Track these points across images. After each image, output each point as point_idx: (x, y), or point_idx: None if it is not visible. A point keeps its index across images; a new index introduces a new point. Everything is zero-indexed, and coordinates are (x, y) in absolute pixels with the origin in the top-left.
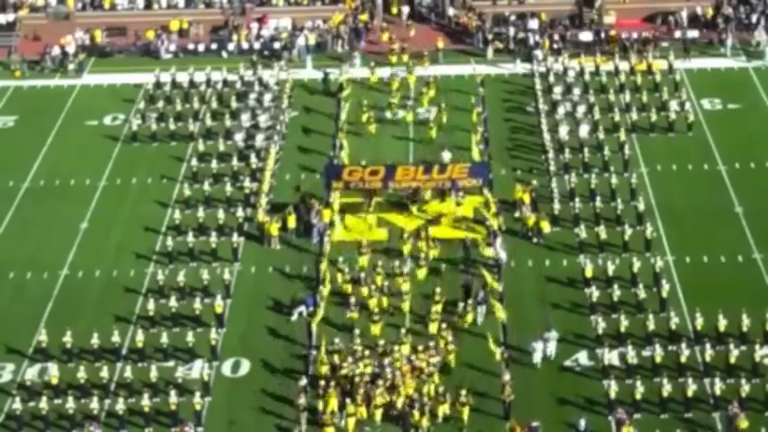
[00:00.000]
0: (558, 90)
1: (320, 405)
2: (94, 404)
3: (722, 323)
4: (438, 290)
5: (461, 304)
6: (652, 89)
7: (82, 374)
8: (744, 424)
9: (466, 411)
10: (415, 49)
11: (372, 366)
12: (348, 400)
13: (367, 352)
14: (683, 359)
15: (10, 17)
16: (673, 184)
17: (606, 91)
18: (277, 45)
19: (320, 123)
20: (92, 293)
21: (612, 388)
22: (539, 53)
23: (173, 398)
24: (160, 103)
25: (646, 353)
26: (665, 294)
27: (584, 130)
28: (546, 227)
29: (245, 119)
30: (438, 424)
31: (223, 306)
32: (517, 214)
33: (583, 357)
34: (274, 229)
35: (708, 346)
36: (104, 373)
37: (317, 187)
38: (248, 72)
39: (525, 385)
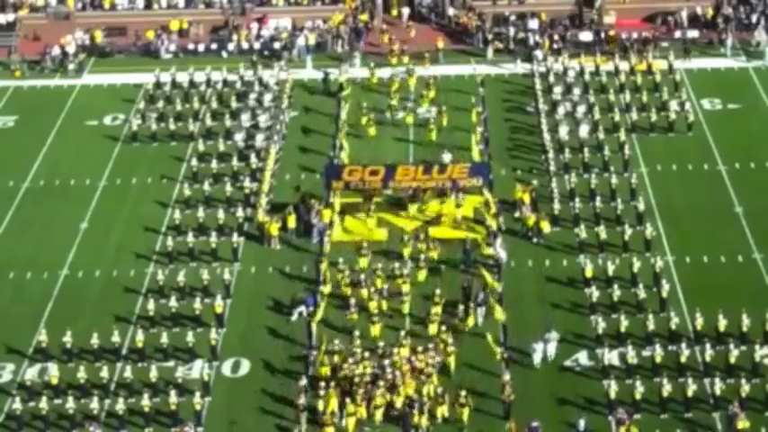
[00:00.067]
0: (558, 90)
1: (320, 405)
2: (94, 404)
3: (722, 323)
4: (438, 291)
5: (461, 306)
6: (652, 89)
7: (82, 374)
8: (744, 424)
9: (465, 412)
10: (416, 50)
11: (372, 367)
12: (348, 400)
13: (367, 353)
14: (683, 359)
15: (10, 17)
16: (673, 184)
17: (606, 91)
18: (277, 45)
19: (320, 123)
20: (92, 293)
21: (612, 388)
22: (539, 53)
23: (173, 398)
24: (160, 103)
25: (646, 353)
26: (665, 294)
27: (584, 130)
28: (546, 227)
29: (245, 119)
30: (438, 424)
31: (223, 306)
32: (517, 214)
33: (583, 357)
34: (274, 229)
35: (708, 346)
36: (104, 373)
37: (317, 187)
38: (248, 72)
39: (525, 385)
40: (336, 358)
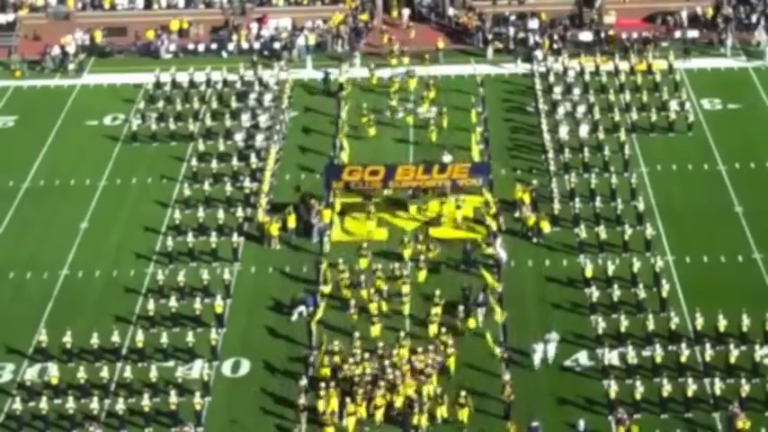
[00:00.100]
0: (558, 90)
1: (320, 405)
2: (94, 404)
3: (722, 323)
4: (438, 292)
5: (461, 307)
6: (652, 89)
7: (82, 374)
8: (744, 424)
9: (465, 413)
10: (416, 50)
11: (372, 368)
12: (348, 400)
13: (367, 354)
14: (683, 359)
15: (10, 17)
16: (673, 184)
17: (606, 91)
18: (277, 45)
19: (320, 123)
20: (92, 293)
21: (612, 388)
22: (539, 53)
23: (173, 398)
24: (160, 103)
25: (646, 353)
26: (665, 294)
27: (584, 130)
28: (546, 227)
29: (245, 119)
30: (438, 424)
31: (223, 306)
32: (517, 214)
33: (583, 357)
34: (274, 229)
35: (708, 346)
36: (104, 373)
37: (317, 187)
38: (248, 72)
39: (525, 385)
40: (336, 359)
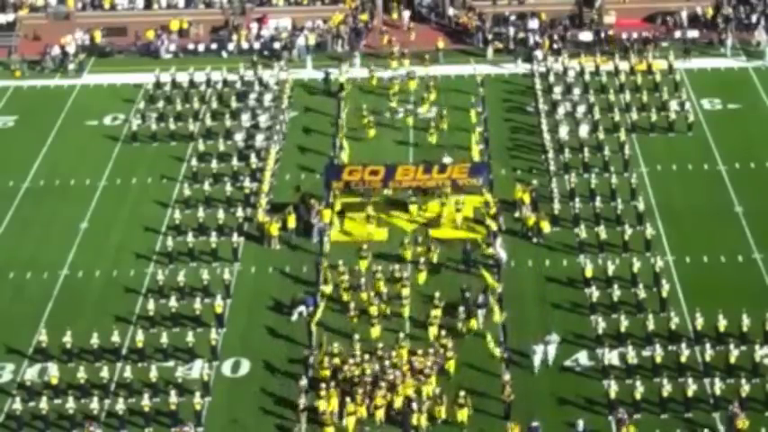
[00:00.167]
0: (558, 90)
1: (320, 405)
2: (94, 404)
3: (722, 323)
4: (437, 294)
5: (461, 308)
6: (652, 89)
7: (82, 374)
8: (744, 424)
9: (464, 413)
10: (416, 50)
11: (372, 368)
12: (348, 400)
13: (366, 356)
14: (683, 359)
15: (10, 17)
16: (673, 184)
17: (606, 91)
18: (277, 45)
19: (320, 123)
20: (92, 293)
21: (612, 388)
22: (539, 53)
23: (173, 398)
24: (160, 103)
25: (646, 353)
26: (665, 294)
27: (584, 130)
28: (546, 227)
29: (245, 119)
30: (438, 425)
31: (223, 306)
32: (517, 214)
33: (583, 357)
34: (274, 229)
35: (708, 346)
36: (104, 373)
37: (317, 187)
38: (248, 72)
39: (525, 385)
40: (336, 361)
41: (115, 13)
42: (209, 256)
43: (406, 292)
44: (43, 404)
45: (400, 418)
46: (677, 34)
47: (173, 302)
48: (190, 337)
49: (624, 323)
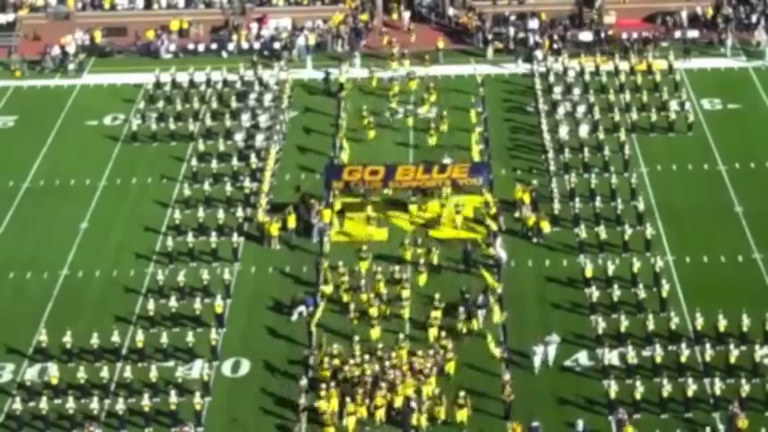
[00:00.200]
0: (558, 90)
1: (321, 405)
2: (94, 404)
3: (722, 323)
4: (437, 296)
5: (461, 308)
6: (652, 89)
7: (82, 374)
8: (744, 424)
9: (464, 413)
10: (416, 51)
11: (372, 369)
12: (348, 400)
13: (366, 356)
14: (683, 359)
15: (10, 17)
16: (673, 184)
17: (606, 91)
18: (277, 45)
19: (320, 123)
20: (92, 293)
21: (612, 388)
22: (539, 53)
23: (173, 398)
24: (160, 103)
25: (646, 353)
26: (665, 294)
27: (584, 130)
28: (546, 227)
29: (245, 119)
30: (438, 425)
31: (223, 306)
32: (517, 214)
33: (583, 357)
34: (274, 229)
35: (708, 346)
36: (104, 373)
37: (317, 187)
38: (248, 72)
39: (525, 385)
40: (336, 362)
41: (115, 13)
42: (209, 256)
43: (406, 293)
44: (43, 404)
45: (400, 418)
46: (677, 34)
47: (173, 302)
48: (190, 337)
49: (624, 323)
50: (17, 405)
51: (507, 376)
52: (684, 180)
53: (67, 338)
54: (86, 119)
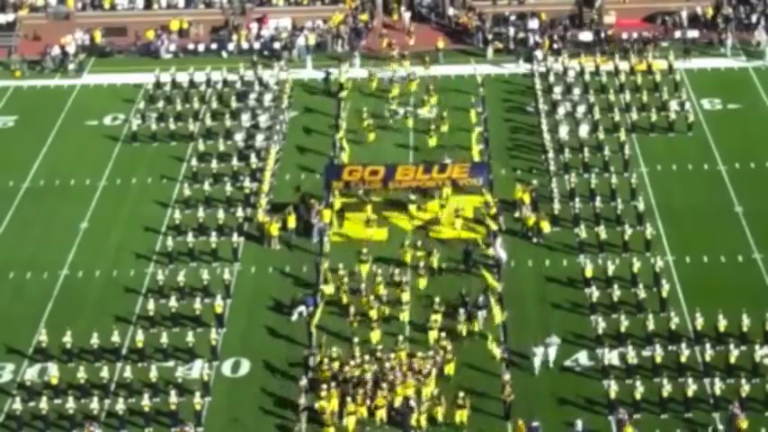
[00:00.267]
0: (558, 90)
1: (321, 405)
2: (94, 404)
3: (722, 323)
4: (437, 299)
5: (461, 310)
6: (652, 89)
7: (82, 374)
8: (744, 424)
9: (463, 414)
10: (416, 51)
11: (372, 370)
12: (348, 400)
13: (367, 357)
14: (683, 359)
15: (10, 17)
16: (673, 184)
17: (606, 91)
18: (277, 45)
19: (320, 123)
20: (92, 293)
21: (612, 388)
22: (539, 53)
23: (173, 398)
24: (160, 103)
25: (646, 353)
26: (665, 294)
27: (584, 130)
28: (546, 227)
29: (245, 119)
30: (438, 425)
31: (223, 306)
32: (517, 214)
33: (583, 357)
34: (274, 229)
35: (708, 346)
36: (104, 373)
37: (317, 187)
38: (248, 72)
39: (525, 385)
40: (335, 365)
41: (115, 13)
42: (209, 256)
43: (405, 296)
44: (43, 404)
45: (400, 418)
46: (677, 34)
47: (173, 302)
48: (190, 337)
49: (624, 323)
50: (17, 405)
51: (507, 376)
52: (684, 180)
53: (67, 338)
54: (86, 119)
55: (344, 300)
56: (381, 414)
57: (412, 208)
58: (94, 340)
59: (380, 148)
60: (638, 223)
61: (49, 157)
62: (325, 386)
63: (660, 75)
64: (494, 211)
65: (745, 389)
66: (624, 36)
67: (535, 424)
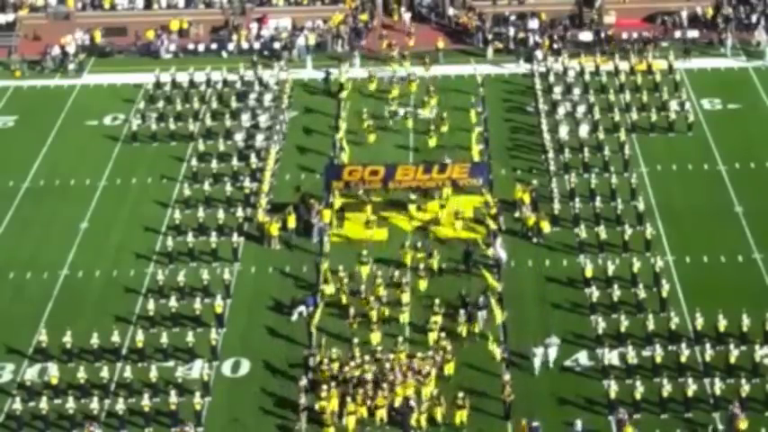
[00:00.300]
0: (558, 90)
1: (321, 405)
2: (94, 404)
3: (722, 323)
4: (437, 301)
5: (462, 311)
6: (652, 89)
7: (82, 374)
8: (744, 424)
9: (463, 414)
10: (416, 51)
11: (371, 370)
12: (348, 399)
13: (366, 357)
14: (683, 359)
15: (10, 17)
16: (673, 184)
17: (606, 91)
18: (277, 45)
19: (320, 123)
20: (92, 293)
21: (612, 388)
22: (539, 53)
23: (173, 398)
24: (160, 103)
25: (646, 353)
26: (665, 294)
27: (584, 130)
28: (546, 227)
29: (245, 119)
30: (437, 425)
31: (223, 306)
32: (517, 214)
33: (583, 357)
34: (274, 229)
35: (708, 346)
36: (104, 373)
37: (317, 187)
38: (248, 72)
39: (525, 385)
40: (335, 366)
41: (115, 13)
42: (209, 256)
43: (405, 298)
44: (43, 404)
45: (399, 418)
46: (677, 34)
47: (173, 302)
48: (190, 337)
49: (624, 323)
50: (17, 405)
51: (507, 376)
52: (684, 180)
53: (67, 338)
54: (86, 119)
55: (344, 301)
56: (381, 414)
57: (412, 208)
58: (94, 340)
59: (380, 148)
60: (638, 223)
61: (49, 157)
62: (325, 386)
63: (660, 75)
64: (494, 211)
65: (745, 389)
66: (624, 36)
67: (535, 424)
